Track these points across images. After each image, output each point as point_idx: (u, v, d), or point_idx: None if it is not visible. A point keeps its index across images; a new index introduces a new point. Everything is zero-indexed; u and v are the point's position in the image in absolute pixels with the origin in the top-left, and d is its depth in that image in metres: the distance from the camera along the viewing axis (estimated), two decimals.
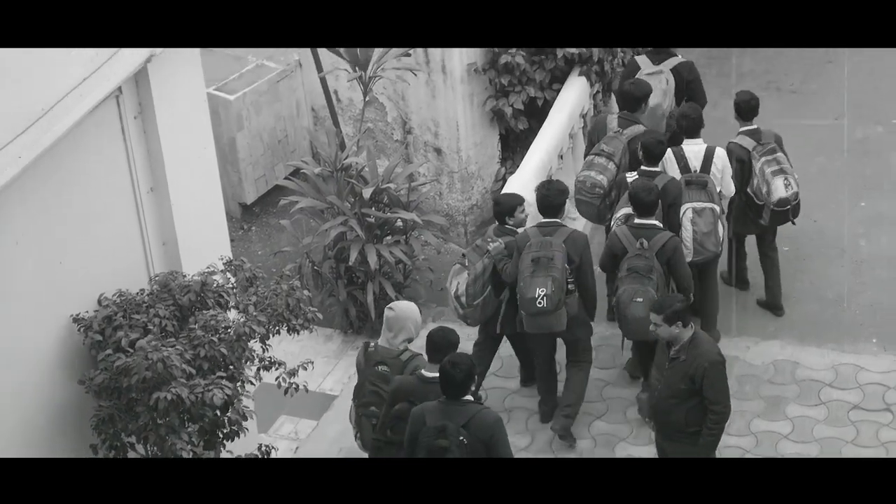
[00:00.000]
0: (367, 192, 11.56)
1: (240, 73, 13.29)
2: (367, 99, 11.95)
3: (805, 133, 13.23)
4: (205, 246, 9.78)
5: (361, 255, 11.58)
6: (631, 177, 10.95)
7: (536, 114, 12.65)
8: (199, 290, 9.14)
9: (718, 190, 11.02)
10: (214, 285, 9.23)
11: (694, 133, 11.23)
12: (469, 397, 8.88)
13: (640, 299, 10.25)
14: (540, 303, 10.24)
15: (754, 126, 11.36)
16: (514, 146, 13.02)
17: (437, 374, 8.89)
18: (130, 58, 8.94)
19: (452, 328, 9.45)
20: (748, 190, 11.30)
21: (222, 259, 9.48)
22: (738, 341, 11.41)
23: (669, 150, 11.11)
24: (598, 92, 12.77)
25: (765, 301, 11.74)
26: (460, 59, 12.40)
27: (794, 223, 11.44)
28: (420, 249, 12.07)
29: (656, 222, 10.55)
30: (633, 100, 11.47)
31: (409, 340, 9.70)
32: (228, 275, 9.41)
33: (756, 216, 11.37)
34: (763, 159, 11.19)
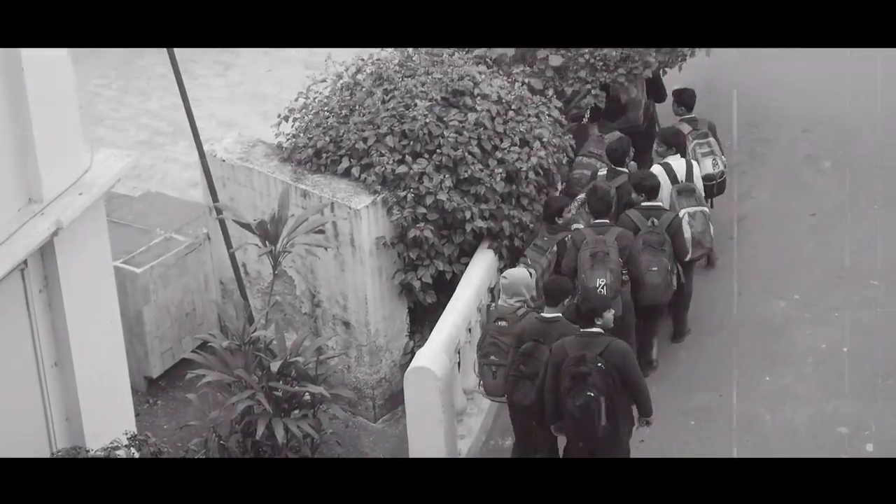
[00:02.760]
0: (274, 366, 11.49)
1: (148, 245, 13.26)
2: (276, 272, 11.95)
3: (709, 307, 13.41)
4: (109, 420, 9.69)
5: (269, 429, 11.45)
6: (602, 172, 13.10)
7: (445, 287, 12.70)
8: None
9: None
10: None
11: (677, 150, 13.24)
12: (600, 330, 10.67)
13: (654, 268, 12.19)
14: (601, 291, 11.80)
15: (692, 115, 13.80)
16: (422, 319, 13.04)
17: (556, 315, 11.07)
18: (36, 231, 8.91)
19: (567, 279, 11.51)
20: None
21: (127, 434, 9.37)
22: None
23: (660, 165, 13.11)
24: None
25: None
26: (369, 232, 12.48)
27: (712, 203, 13.52)
28: (328, 423, 11.95)
29: (661, 204, 12.54)
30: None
31: (523, 301, 11.46)
32: (133, 450, 9.30)
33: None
34: (695, 142, 13.53)
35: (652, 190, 12.57)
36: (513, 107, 12.91)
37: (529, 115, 12.97)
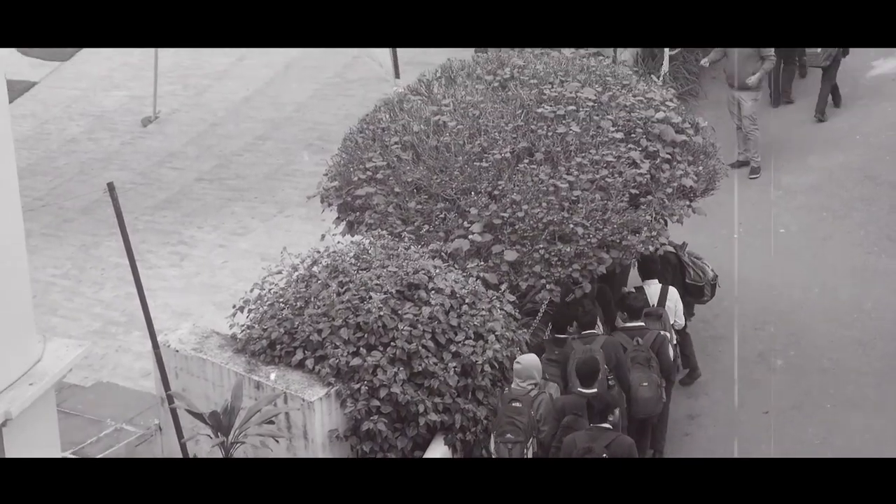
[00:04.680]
0: None
1: (98, 436, 13.15)
2: None
3: None
4: None
5: None
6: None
7: None
8: None
9: (673, 321, 14.06)
10: None
11: (650, 276, 14.35)
12: (609, 426, 11.81)
13: (645, 383, 13.15)
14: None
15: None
16: None
17: (594, 391, 12.34)
18: None
19: (595, 357, 12.64)
20: (686, 281, 14.69)
21: None
22: None
23: (634, 289, 14.31)
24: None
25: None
26: (322, 424, 12.41)
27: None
28: None
29: (643, 323, 13.56)
30: None
31: (536, 384, 12.52)
32: None
33: (697, 298, 14.84)
34: (687, 252, 14.84)
35: (635, 311, 13.65)
36: (466, 301, 12.98)
37: (482, 310, 13.03)
